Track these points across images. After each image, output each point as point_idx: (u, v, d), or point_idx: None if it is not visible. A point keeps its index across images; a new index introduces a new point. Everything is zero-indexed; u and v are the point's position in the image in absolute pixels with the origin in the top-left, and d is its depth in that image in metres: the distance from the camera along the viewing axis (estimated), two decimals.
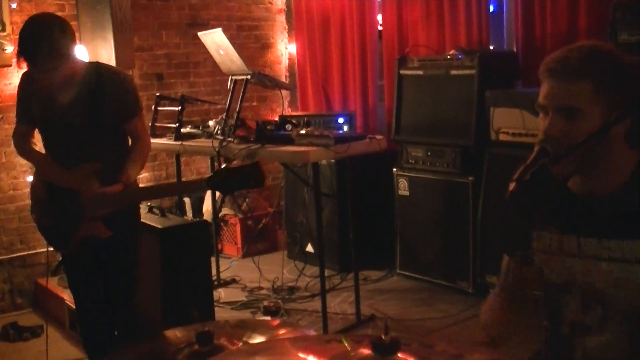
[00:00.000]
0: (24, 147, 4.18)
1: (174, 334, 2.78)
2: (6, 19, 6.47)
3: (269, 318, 5.66)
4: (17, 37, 3.88)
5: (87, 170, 3.85)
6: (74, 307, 5.90)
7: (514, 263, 2.43)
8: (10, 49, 6.45)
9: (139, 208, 4.35)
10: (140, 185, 4.82)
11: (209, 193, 7.17)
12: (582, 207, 2.29)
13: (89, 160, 3.86)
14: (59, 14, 6.68)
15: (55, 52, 3.69)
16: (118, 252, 4.15)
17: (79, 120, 3.90)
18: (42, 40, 3.69)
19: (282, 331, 2.87)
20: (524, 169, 2.18)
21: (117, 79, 4.01)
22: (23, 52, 3.74)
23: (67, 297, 6.17)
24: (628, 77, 2.19)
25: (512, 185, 2.19)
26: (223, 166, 3.73)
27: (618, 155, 2.24)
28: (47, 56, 3.68)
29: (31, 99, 4.03)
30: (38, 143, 4.22)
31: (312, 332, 3.05)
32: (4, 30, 6.45)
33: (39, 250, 6.43)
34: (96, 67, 4.02)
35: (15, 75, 6.33)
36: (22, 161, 6.29)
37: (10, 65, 6.41)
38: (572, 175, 2.28)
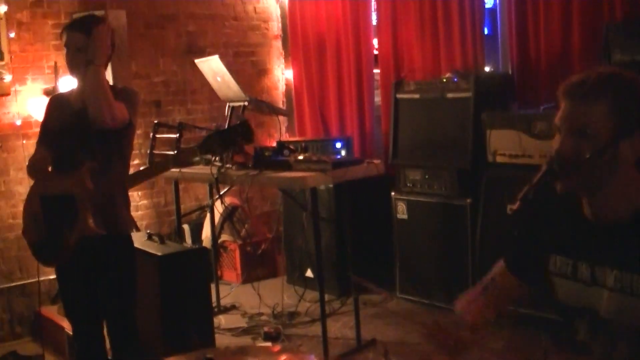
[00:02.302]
0: (36, 166, 4.24)
1: None
2: (4, 47, 6.49)
3: (269, 344, 5.66)
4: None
5: (84, 171, 3.91)
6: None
7: (503, 269, 2.49)
8: (8, 77, 6.47)
9: (130, 235, 4.32)
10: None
11: (207, 220, 7.17)
12: (594, 234, 2.30)
13: (86, 163, 3.93)
14: (57, 42, 6.77)
15: None
16: (114, 278, 4.17)
17: (85, 123, 3.96)
18: None
19: (283, 357, 2.88)
20: (529, 188, 2.19)
21: (125, 88, 4.22)
22: None
23: (67, 325, 6.16)
24: None
25: (516, 204, 2.20)
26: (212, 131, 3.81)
27: (628, 181, 2.24)
28: None
29: (54, 115, 4.19)
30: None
31: (313, 358, 3.05)
32: (2, 59, 6.47)
33: (40, 279, 6.42)
34: (112, 86, 4.15)
35: (13, 104, 6.36)
36: (22, 189, 6.33)
37: (9, 94, 6.43)
38: (575, 191, 2.29)
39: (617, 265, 2.23)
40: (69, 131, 4.06)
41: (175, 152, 4.53)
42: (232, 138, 3.83)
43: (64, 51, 4.08)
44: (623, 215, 2.23)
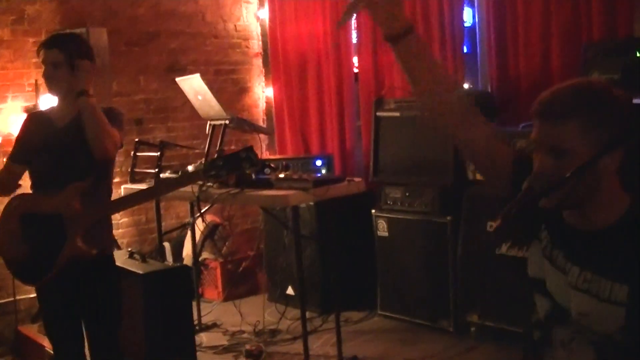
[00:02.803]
0: (3, 182, 4.27)
1: None
2: None
3: None
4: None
5: (71, 191, 3.91)
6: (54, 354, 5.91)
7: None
8: None
9: (112, 254, 4.33)
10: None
11: (188, 237, 7.16)
12: (574, 237, 2.31)
13: (71, 182, 3.93)
14: (38, 60, 6.70)
15: None
16: (99, 299, 4.16)
17: (70, 142, 3.98)
18: None
19: None
20: (510, 206, 2.20)
21: (111, 110, 4.19)
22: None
23: (47, 344, 6.14)
24: (617, 113, 2.21)
25: (497, 222, 2.20)
26: (216, 156, 3.82)
27: (610, 191, 2.24)
28: None
29: (33, 132, 4.17)
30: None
31: None
32: None
33: (19, 297, 6.40)
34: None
35: None
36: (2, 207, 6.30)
37: None
38: (558, 208, 2.30)
39: (590, 267, 2.24)
40: (52, 150, 4.04)
41: (180, 173, 4.52)
42: (237, 163, 3.86)
43: (43, 68, 4.10)
44: (605, 223, 2.25)
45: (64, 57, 3.99)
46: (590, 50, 5.28)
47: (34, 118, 4.31)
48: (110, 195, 4.26)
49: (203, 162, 5.63)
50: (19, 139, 4.28)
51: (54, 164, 4.04)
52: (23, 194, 4.20)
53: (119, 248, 6.74)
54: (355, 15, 2.50)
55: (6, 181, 4.26)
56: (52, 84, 4.09)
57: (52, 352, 5.55)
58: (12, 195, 4.23)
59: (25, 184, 4.28)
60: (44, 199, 4.03)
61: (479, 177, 5.62)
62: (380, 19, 2.41)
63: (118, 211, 4.32)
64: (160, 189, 4.63)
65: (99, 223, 4.05)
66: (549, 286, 2.36)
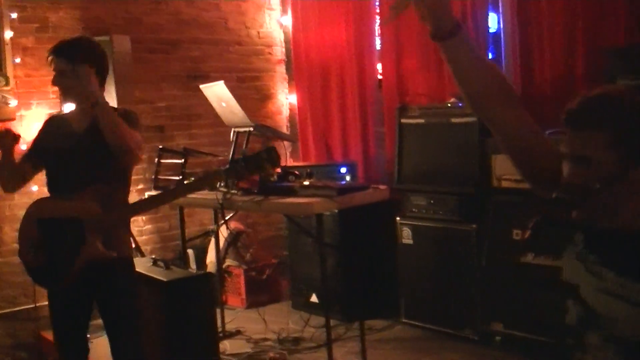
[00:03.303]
0: (15, 180, 4.29)
1: None
2: (10, 73, 6.52)
3: None
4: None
5: (91, 195, 3.92)
6: None
7: None
8: (14, 102, 6.50)
9: (132, 257, 4.32)
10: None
11: (212, 245, 7.16)
12: (610, 240, 2.28)
13: (91, 186, 3.94)
14: None
15: None
16: (119, 303, 4.16)
17: (88, 147, 3.99)
18: None
19: None
20: (539, 217, 2.17)
21: (127, 113, 4.16)
22: None
23: None
24: None
25: (527, 233, 2.18)
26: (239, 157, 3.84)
27: None
28: None
29: (51, 135, 4.20)
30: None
31: None
32: (7, 84, 6.50)
33: (43, 303, 6.39)
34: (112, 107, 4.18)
35: (20, 129, 6.35)
36: None
37: (14, 119, 6.45)
38: (590, 220, 2.27)
39: (626, 273, 2.21)
40: (70, 153, 4.05)
41: (204, 174, 4.50)
42: (259, 163, 3.86)
43: None
44: (634, 227, 2.22)
45: (69, 65, 4.01)
46: (615, 55, 5.24)
47: (54, 121, 4.32)
48: (128, 199, 4.24)
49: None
50: (36, 139, 4.30)
51: (72, 168, 4.04)
52: (40, 200, 4.20)
53: (142, 255, 6.74)
54: (401, 12, 2.47)
55: (13, 175, 4.25)
56: (61, 91, 4.17)
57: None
58: (15, 193, 4.23)
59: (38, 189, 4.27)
60: (63, 202, 4.03)
61: (503, 184, 5.58)
62: (427, 16, 2.38)
63: (138, 214, 4.30)
64: (181, 190, 4.59)
65: (118, 226, 4.05)
66: (582, 291, 2.33)
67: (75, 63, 4.00)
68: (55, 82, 4.11)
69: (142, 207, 4.47)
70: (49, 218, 4.04)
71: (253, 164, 3.90)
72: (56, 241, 4.01)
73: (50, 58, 4.10)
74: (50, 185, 4.20)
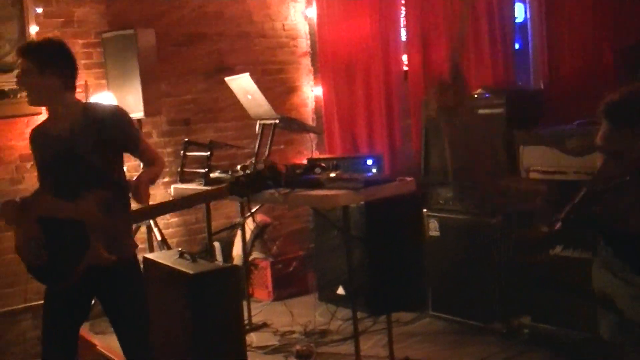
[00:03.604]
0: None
1: None
2: None
3: None
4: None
5: (94, 199, 3.89)
6: (105, 352, 5.94)
7: None
8: None
9: (135, 257, 4.30)
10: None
11: (238, 237, 7.16)
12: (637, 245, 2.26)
13: (86, 191, 3.91)
14: (87, 61, 6.82)
15: None
16: (126, 303, 4.19)
17: (78, 150, 3.97)
18: None
19: None
20: (570, 209, 2.15)
21: (110, 110, 4.20)
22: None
23: (99, 343, 6.18)
24: None
25: (557, 224, 2.15)
26: (241, 173, 3.85)
27: None
28: None
29: (40, 147, 4.16)
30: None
31: None
32: None
33: None
34: (88, 104, 4.27)
35: None
36: None
37: (40, 114, 6.43)
38: (619, 213, 2.25)
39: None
40: (61, 160, 4.02)
41: (207, 189, 4.51)
42: (261, 182, 3.89)
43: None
44: None
45: (35, 65, 3.97)
46: None
47: (38, 133, 4.24)
48: (129, 203, 4.22)
49: (253, 161, 5.62)
50: (34, 158, 4.25)
51: (65, 174, 4.01)
52: (39, 197, 4.16)
53: (168, 248, 6.76)
54: None
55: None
56: (26, 92, 4.10)
57: (103, 350, 5.62)
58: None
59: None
60: (64, 204, 3.99)
61: (531, 175, 5.54)
62: None
63: (140, 222, 4.29)
64: (182, 203, 4.56)
65: (121, 232, 4.04)
66: (614, 298, 2.31)
67: (42, 64, 3.97)
68: (19, 82, 4.12)
69: (144, 215, 4.43)
70: (50, 218, 4.02)
71: (255, 183, 3.91)
72: (60, 242, 3.99)
73: (17, 57, 4.10)
74: (53, 190, 4.16)
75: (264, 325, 6.62)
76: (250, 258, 7.39)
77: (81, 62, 6.81)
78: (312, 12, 8.31)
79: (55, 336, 4.26)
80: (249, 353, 5.43)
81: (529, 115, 5.83)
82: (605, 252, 2.34)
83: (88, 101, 4.23)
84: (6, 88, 6.39)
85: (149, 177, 4.13)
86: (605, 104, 2.25)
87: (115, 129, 4.02)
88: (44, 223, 4.02)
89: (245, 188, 3.89)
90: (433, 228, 6.29)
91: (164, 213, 4.30)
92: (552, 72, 6.03)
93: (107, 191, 3.93)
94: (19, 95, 6.39)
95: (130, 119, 4.17)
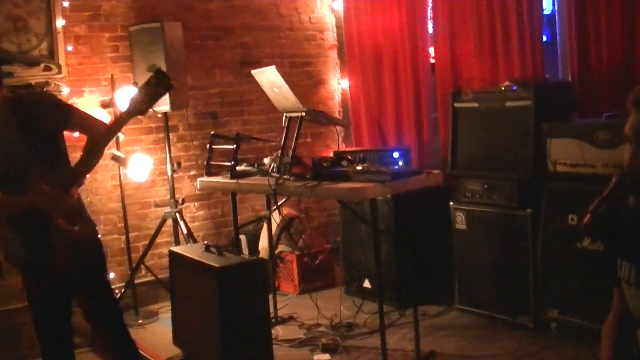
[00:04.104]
0: None
1: None
2: (62, 61, 6.57)
3: (327, 356, 5.62)
4: None
5: (36, 179, 3.96)
6: None
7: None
8: (66, 90, 6.57)
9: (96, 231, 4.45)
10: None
11: (264, 230, 7.16)
12: None
13: (31, 172, 3.99)
14: (113, 55, 6.84)
15: None
16: (96, 267, 4.41)
17: (13, 144, 4.03)
18: None
19: None
20: (599, 201, 2.12)
21: (35, 97, 4.37)
22: None
23: None
24: None
25: (587, 218, 2.12)
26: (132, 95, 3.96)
27: None
28: None
29: None
30: None
31: None
32: (60, 72, 6.55)
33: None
34: (13, 98, 4.19)
35: None
36: None
37: None
38: None
39: None
40: (10, 150, 4.08)
41: (120, 114, 4.47)
42: (154, 92, 3.93)
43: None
44: None
45: None
46: None
47: None
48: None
49: (279, 154, 5.60)
50: None
51: (8, 163, 4.07)
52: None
53: (194, 241, 6.76)
54: None
55: None
56: None
57: None
58: None
59: None
60: (16, 196, 4.05)
61: (559, 169, 5.49)
62: None
63: (84, 174, 4.27)
64: (111, 132, 4.49)
65: (70, 197, 4.09)
66: (628, 303, 2.28)
67: None
68: None
69: (81, 168, 4.37)
70: (14, 214, 4.07)
71: (148, 94, 3.94)
72: (28, 234, 4.06)
73: None
74: (3, 186, 4.21)
75: (290, 318, 6.61)
76: (277, 251, 7.39)
77: (107, 55, 6.88)
78: (339, 4, 8.30)
79: (50, 328, 4.35)
80: (275, 346, 5.43)
81: (557, 108, 5.78)
82: (629, 271, 2.31)
83: (9, 94, 4.24)
84: (33, 81, 6.42)
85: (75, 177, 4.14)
86: (634, 94, 2.21)
87: (45, 119, 4.08)
88: (10, 221, 4.08)
89: (141, 104, 3.94)
90: (460, 221, 6.26)
91: (97, 155, 4.29)
92: (581, 65, 5.96)
93: (48, 166, 4.02)
94: (45, 89, 6.42)
95: (54, 102, 4.24)
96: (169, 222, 7.04)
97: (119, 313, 4.59)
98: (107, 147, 4.25)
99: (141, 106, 3.97)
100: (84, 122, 4.29)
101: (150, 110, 4.37)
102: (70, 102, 6.50)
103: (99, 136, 4.13)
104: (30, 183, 3.96)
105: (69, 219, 4.00)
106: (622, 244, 2.33)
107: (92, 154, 4.20)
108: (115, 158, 6.18)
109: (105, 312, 4.47)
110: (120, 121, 4.14)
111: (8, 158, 4.05)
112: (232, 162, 5.90)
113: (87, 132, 4.27)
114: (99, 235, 4.49)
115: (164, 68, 6.46)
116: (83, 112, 4.40)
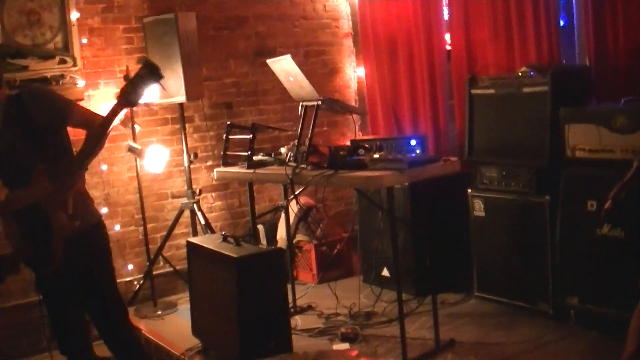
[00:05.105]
0: None
1: None
2: (77, 54, 6.57)
3: (347, 345, 5.61)
4: None
5: (38, 176, 4.01)
6: (149, 336, 5.97)
7: None
8: (82, 83, 6.57)
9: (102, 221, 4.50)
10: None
11: (282, 220, 7.15)
12: None
13: (35, 169, 4.04)
14: (128, 46, 6.83)
15: None
16: (98, 261, 4.42)
17: (15, 141, 4.08)
18: None
19: None
20: (620, 187, 2.10)
21: (36, 93, 4.34)
22: None
23: (144, 327, 6.22)
24: None
25: (607, 204, 2.11)
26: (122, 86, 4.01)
27: None
28: None
29: None
30: None
31: None
32: (75, 65, 6.55)
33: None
34: (13, 95, 4.24)
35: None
36: (96, 192, 6.41)
37: (82, 100, 6.49)
38: None
39: None
40: (14, 148, 4.12)
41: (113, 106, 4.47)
42: (143, 82, 3.94)
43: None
44: None
45: None
46: None
47: None
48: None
49: (296, 143, 5.59)
50: None
51: (11, 161, 4.14)
52: (5, 197, 4.27)
53: (212, 232, 6.77)
54: None
55: None
56: None
57: (147, 334, 5.65)
58: None
59: None
60: (20, 192, 4.11)
61: (577, 154, 5.46)
62: None
63: (82, 166, 4.28)
64: (105, 124, 4.46)
65: (76, 198, 4.11)
66: None
67: None
68: None
69: (79, 159, 4.37)
70: (20, 212, 4.14)
71: (137, 85, 3.95)
72: (32, 229, 4.12)
73: None
74: (6, 184, 4.28)
75: (309, 307, 6.60)
76: (295, 241, 7.39)
77: (122, 47, 6.88)
78: None
79: (62, 320, 4.39)
80: (294, 336, 5.41)
81: (575, 93, 5.73)
82: None
83: (10, 92, 4.26)
84: (48, 75, 6.43)
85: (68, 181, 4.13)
86: None
87: (44, 116, 4.12)
88: (16, 217, 4.15)
89: (132, 95, 3.95)
90: (478, 208, 6.23)
91: (95, 148, 4.29)
92: (599, 49, 5.91)
93: (50, 161, 4.06)
94: (61, 82, 6.43)
95: (55, 99, 4.29)
96: (187, 213, 7.05)
97: (119, 313, 4.58)
98: (105, 139, 4.24)
99: (131, 97, 3.99)
100: (83, 118, 4.32)
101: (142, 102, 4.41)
102: (86, 94, 6.55)
103: (95, 129, 4.14)
104: (32, 179, 3.97)
105: (71, 214, 4.01)
106: None
107: (89, 146, 4.22)
108: (131, 150, 6.17)
109: (103, 314, 4.48)
110: (113, 112, 4.15)
111: (12, 155, 4.09)
112: (249, 152, 5.89)
113: (87, 128, 4.30)
114: (106, 229, 4.54)
115: (178, 59, 6.48)
116: (84, 108, 4.45)
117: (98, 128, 4.13)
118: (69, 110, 4.23)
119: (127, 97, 4.01)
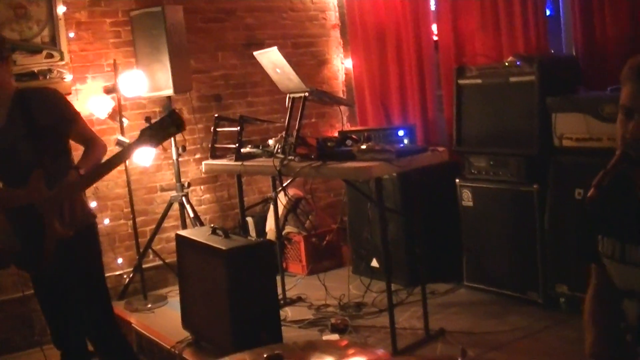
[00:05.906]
0: None
1: (243, 358, 2.74)
2: (64, 48, 6.55)
3: (337, 336, 5.62)
4: None
5: (35, 179, 3.95)
6: (141, 330, 5.98)
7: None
8: (69, 77, 6.55)
9: (95, 224, 4.49)
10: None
11: (271, 212, 7.15)
12: None
13: (34, 170, 3.98)
14: (115, 40, 6.81)
15: None
16: (86, 266, 4.39)
17: (14, 139, 4.05)
18: None
19: (351, 351, 2.82)
20: (603, 175, 2.10)
21: (43, 93, 4.25)
22: None
23: (135, 320, 6.21)
24: None
25: (591, 191, 2.11)
26: (145, 126, 3.91)
27: None
28: None
29: None
30: None
31: (381, 351, 2.99)
32: (62, 59, 6.53)
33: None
34: (20, 90, 4.21)
35: (75, 104, 6.38)
36: None
37: (70, 94, 6.49)
38: None
39: None
40: (4, 150, 4.11)
41: (129, 143, 4.45)
42: (164, 130, 3.90)
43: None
44: None
45: None
46: None
47: None
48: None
49: (284, 135, 5.60)
50: None
51: (11, 160, 4.10)
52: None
53: (201, 224, 6.77)
54: None
55: None
56: None
57: (138, 329, 5.65)
58: None
59: None
60: (15, 192, 4.07)
61: (565, 143, 5.47)
62: None
63: (88, 186, 4.30)
64: (126, 152, 4.46)
65: (69, 202, 4.05)
66: (634, 287, 2.27)
67: None
68: None
69: (90, 179, 4.36)
70: (12, 208, 4.12)
71: (158, 132, 3.91)
72: (24, 228, 4.11)
73: None
74: (5, 183, 4.27)
75: (299, 299, 6.61)
76: (284, 232, 7.39)
77: (110, 41, 6.87)
78: None
79: (56, 318, 4.40)
80: (284, 327, 5.43)
81: (562, 82, 5.74)
82: (611, 246, 2.31)
83: (18, 87, 4.24)
84: (35, 69, 6.41)
85: (72, 189, 4.08)
86: (630, 64, 2.19)
87: (50, 116, 4.10)
88: (8, 213, 4.12)
89: (151, 139, 3.92)
90: (466, 198, 6.25)
91: (106, 172, 4.27)
92: (586, 38, 5.92)
93: (50, 166, 4.03)
94: (48, 77, 6.41)
95: (63, 102, 4.26)
96: (176, 206, 7.05)
97: (109, 320, 4.57)
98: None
99: (152, 141, 3.95)
100: (86, 132, 4.34)
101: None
102: (73, 88, 6.54)
103: (111, 159, 4.10)
104: (30, 181, 3.96)
105: (65, 223, 3.99)
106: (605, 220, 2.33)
107: (98, 174, 4.22)
108: (119, 143, 6.16)
109: (94, 321, 4.47)
110: (128, 150, 4.14)
111: (13, 155, 4.07)
112: (237, 145, 5.89)
113: (85, 144, 4.31)
114: (98, 231, 4.54)
115: (166, 52, 6.47)
116: (86, 125, 4.43)
117: (114, 158, 4.10)
118: (74, 119, 4.24)
119: (147, 139, 3.96)
